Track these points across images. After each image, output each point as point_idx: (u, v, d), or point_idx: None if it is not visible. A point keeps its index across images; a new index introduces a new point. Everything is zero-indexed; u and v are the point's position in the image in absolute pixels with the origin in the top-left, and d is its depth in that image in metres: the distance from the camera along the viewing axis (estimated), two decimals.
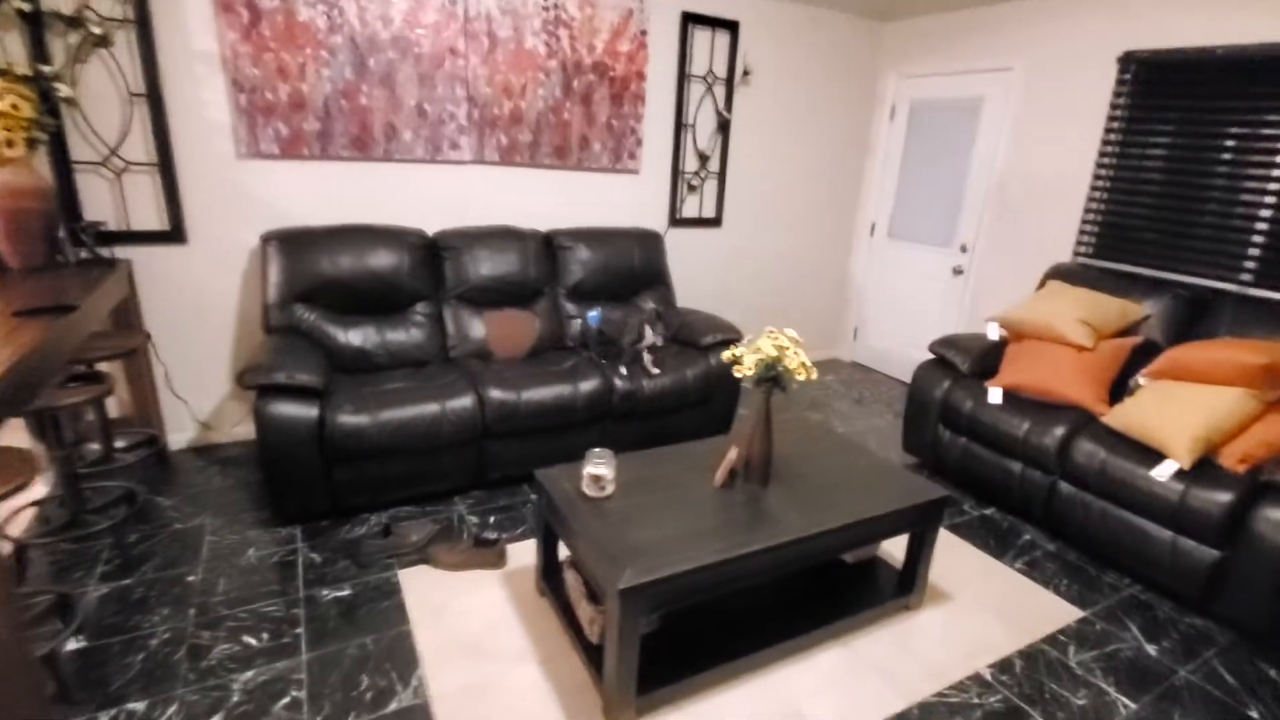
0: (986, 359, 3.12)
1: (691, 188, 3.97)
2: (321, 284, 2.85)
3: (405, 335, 3.03)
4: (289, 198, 2.98)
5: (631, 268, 3.56)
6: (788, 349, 1.93)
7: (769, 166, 4.20)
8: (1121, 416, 2.53)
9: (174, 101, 2.68)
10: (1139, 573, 2.46)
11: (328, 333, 2.87)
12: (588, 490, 1.94)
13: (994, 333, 3.20)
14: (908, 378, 4.47)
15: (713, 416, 3.31)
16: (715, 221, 4.12)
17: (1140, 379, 2.67)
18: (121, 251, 2.73)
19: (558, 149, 3.47)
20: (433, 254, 3.17)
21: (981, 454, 2.92)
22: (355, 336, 2.92)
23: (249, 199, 2.90)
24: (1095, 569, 2.52)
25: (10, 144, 2.31)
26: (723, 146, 3.98)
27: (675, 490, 2.02)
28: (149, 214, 2.75)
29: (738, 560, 1.73)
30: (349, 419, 2.42)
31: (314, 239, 2.87)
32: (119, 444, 2.84)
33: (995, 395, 2.90)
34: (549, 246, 3.44)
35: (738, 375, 1.95)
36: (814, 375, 1.95)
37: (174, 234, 2.80)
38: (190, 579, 2.17)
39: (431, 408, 2.57)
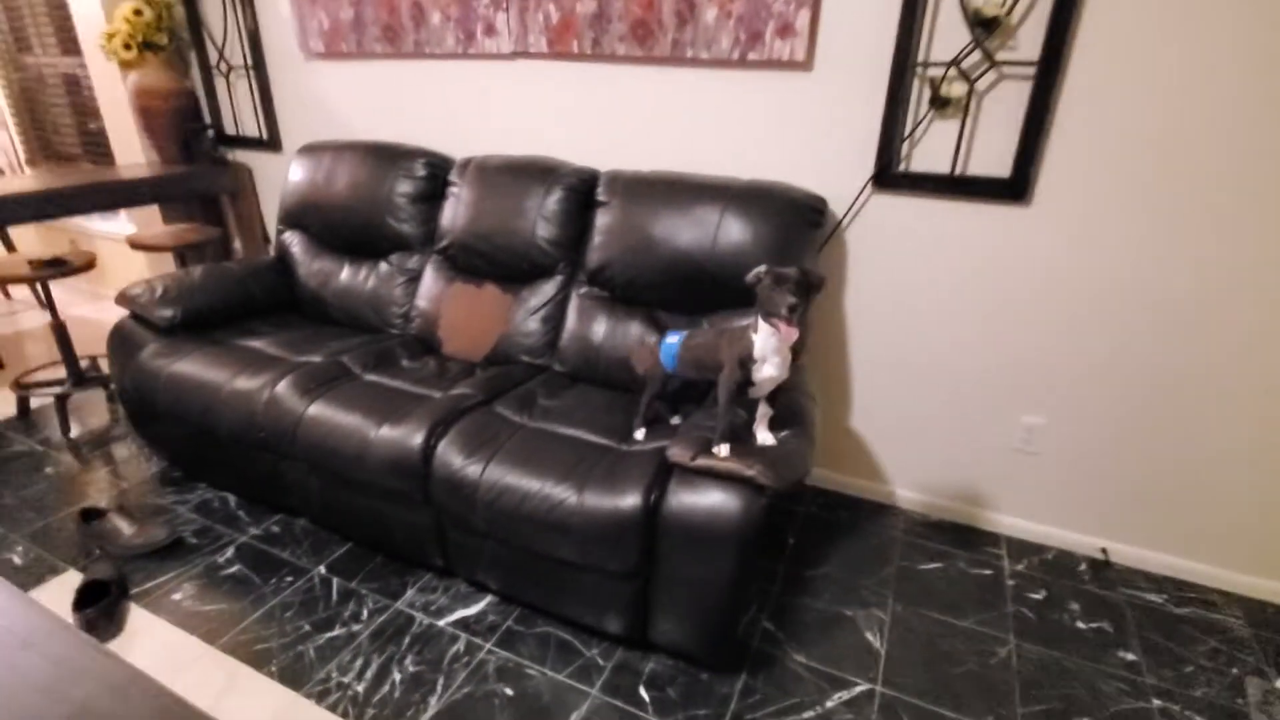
0: None
1: (940, 104, 1.71)
2: (309, 208, 2.41)
3: (366, 289, 2.33)
4: (338, 105, 2.58)
5: (707, 259, 1.82)
6: None
7: (1210, 64, 1.44)
8: None
9: None
10: None
11: (296, 266, 2.45)
12: None
13: None
14: None
15: (677, 608, 1.49)
16: (1009, 189, 1.71)
17: None
18: (243, 158, 2.90)
19: (636, 26, 1.95)
20: (442, 189, 2.29)
21: None
22: (319, 279, 2.40)
23: (318, 106, 2.63)
24: None
25: (128, 46, 2.61)
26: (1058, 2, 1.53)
27: None
28: (252, 120, 2.80)
29: None
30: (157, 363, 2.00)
31: (319, 155, 2.42)
32: None
33: None
34: (587, 198, 2.05)
35: None
36: None
37: (271, 142, 2.79)
38: None
39: (238, 384, 1.89)
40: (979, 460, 1.99)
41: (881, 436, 2.11)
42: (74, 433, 2.42)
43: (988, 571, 1.86)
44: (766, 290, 1.33)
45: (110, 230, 3.56)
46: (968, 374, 1.93)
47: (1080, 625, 1.68)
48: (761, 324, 1.36)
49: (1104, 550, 1.91)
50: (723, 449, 1.38)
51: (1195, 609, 1.74)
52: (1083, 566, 1.89)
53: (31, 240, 3.91)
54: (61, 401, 2.42)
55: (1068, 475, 1.90)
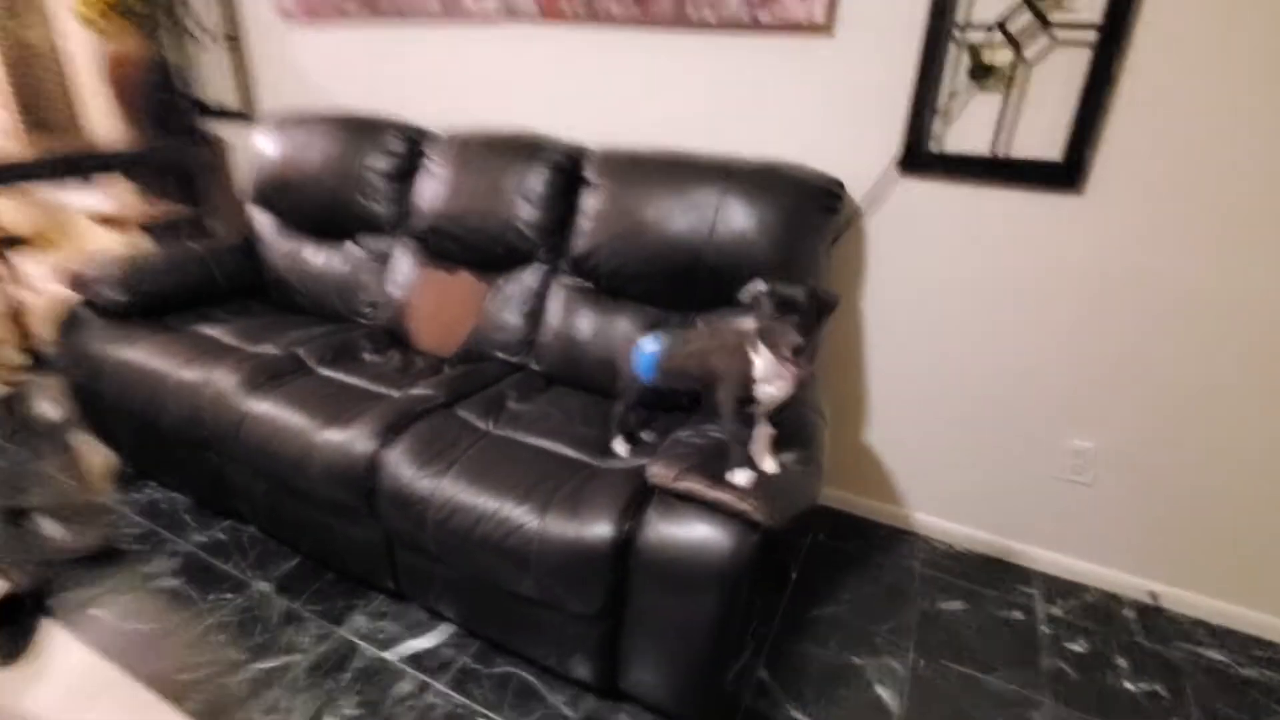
0: None
1: (981, 74, 1.47)
2: (277, 185, 2.21)
3: (334, 274, 2.14)
4: (316, 74, 2.39)
5: (705, 247, 1.59)
6: None
7: None
8: None
9: None
10: None
11: (264, 247, 2.26)
12: None
13: None
14: None
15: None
16: (1060, 174, 1.46)
17: None
18: (221, 132, 2.72)
19: None
20: (417, 165, 2.08)
21: None
22: (286, 262, 2.21)
23: (296, 75, 2.44)
24: None
25: (104, 15, 2.43)
26: None
27: None
28: (229, 90, 2.61)
29: None
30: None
31: (288, 127, 2.22)
32: None
33: None
34: (574, 178, 1.84)
35: None
36: None
37: (248, 114, 2.61)
38: None
39: (184, 375, 1.70)
40: (1010, 485, 1.75)
41: (900, 454, 1.87)
42: (27, 421, 2.26)
43: (1019, 615, 1.62)
44: (766, 318, 1.09)
45: (97, 207, 3.41)
46: (1002, 387, 1.68)
47: (1129, 686, 1.44)
48: (761, 345, 1.13)
49: (1154, 595, 1.67)
50: (739, 475, 1.15)
51: (1265, 670, 1.49)
52: (1129, 612, 1.64)
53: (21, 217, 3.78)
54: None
55: (1115, 506, 1.65)
